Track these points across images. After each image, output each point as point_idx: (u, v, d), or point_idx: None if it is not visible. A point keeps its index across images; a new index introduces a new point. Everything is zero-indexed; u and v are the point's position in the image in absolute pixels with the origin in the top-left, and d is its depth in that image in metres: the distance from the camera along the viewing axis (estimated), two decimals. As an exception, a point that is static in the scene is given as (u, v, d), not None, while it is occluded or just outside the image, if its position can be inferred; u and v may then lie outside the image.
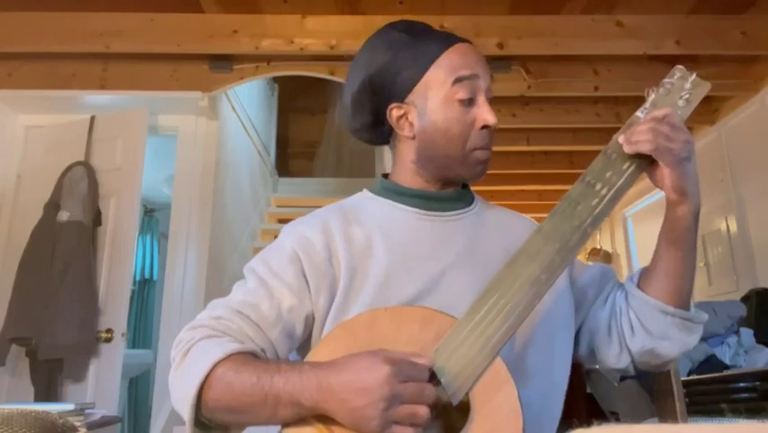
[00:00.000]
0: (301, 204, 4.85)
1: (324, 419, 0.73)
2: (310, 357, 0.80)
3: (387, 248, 0.89)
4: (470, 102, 0.92)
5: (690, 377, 2.23)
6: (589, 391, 2.23)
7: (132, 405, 4.55)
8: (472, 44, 0.97)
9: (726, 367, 2.34)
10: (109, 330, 2.62)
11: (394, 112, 0.96)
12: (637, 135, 0.82)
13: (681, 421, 1.12)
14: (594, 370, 2.16)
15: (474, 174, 0.95)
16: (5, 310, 2.65)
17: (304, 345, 0.90)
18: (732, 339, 2.44)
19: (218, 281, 3.33)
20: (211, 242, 3.22)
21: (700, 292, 3.76)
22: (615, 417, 2.16)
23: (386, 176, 1.03)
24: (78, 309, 2.55)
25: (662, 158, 0.81)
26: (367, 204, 0.98)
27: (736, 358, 2.39)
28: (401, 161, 0.99)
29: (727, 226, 3.62)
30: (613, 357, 0.95)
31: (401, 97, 0.95)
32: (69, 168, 2.87)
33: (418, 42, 0.94)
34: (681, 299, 0.90)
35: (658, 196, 4.45)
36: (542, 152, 4.44)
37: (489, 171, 0.98)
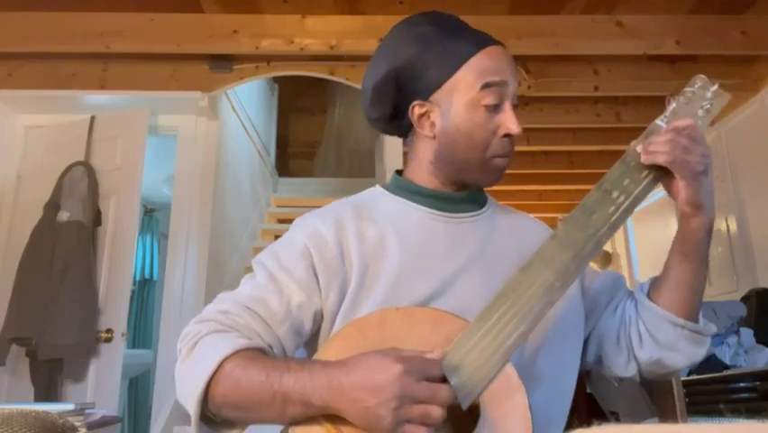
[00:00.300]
0: (301, 204, 4.84)
1: (333, 418, 0.72)
2: (319, 355, 0.79)
3: (400, 247, 0.88)
4: (495, 108, 0.90)
5: (690, 377, 2.23)
6: (589, 391, 2.23)
7: (132, 405, 4.55)
8: (504, 47, 0.94)
9: (726, 367, 2.34)
10: (109, 330, 2.62)
11: (416, 109, 0.93)
12: (655, 146, 0.81)
13: (681, 421, 1.12)
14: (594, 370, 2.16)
15: (490, 181, 0.94)
16: (5, 310, 2.64)
17: (311, 341, 0.89)
18: (732, 339, 2.44)
19: (218, 281, 3.33)
20: (211, 242, 3.22)
21: (700, 292, 3.76)
22: (615, 417, 2.16)
23: (400, 172, 1.02)
24: (78, 309, 2.55)
25: (678, 171, 0.80)
26: (380, 200, 0.97)
27: (736, 358, 2.39)
28: (418, 160, 0.97)
29: (727, 226, 3.62)
30: (621, 366, 0.95)
31: (425, 95, 0.92)
32: (69, 168, 2.87)
33: (449, 40, 0.91)
34: (691, 311, 0.90)
35: (658, 196, 4.45)
36: (542, 151, 4.44)
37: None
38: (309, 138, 6.54)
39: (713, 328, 0.93)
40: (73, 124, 3.03)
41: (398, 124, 0.98)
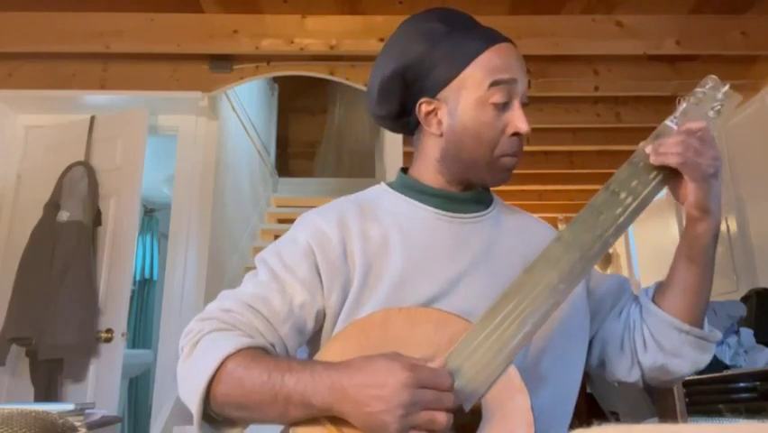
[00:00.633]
0: (301, 204, 4.84)
1: (335, 419, 0.71)
2: (321, 354, 0.78)
3: (404, 248, 0.87)
4: (504, 106, 0.88)
5: (690, 377, 2.22)
6: (589, 391, 2.23)
7: (132, 405, 4.55)
8: (514, 44, 0.92)
9: (726, 367, 2.33)
10: (109, 330, 2.62)
11: (423, 107, 0.92)
12: (666, 147, 0.80)
13: (681, 421, 1.12)
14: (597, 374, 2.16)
15: (498, 180, 0.93)
16: (5, 310, 2.64)
17: (313, 340, 0.89)
18: (732, 339, 2.44)
19: (218, 281, 3.33)
20: (211, 242, 3.22)
21: (700, 292, 3.76)
22: (615, 417, 2.16)
23: (405, 170, 1.00)
24: (78, 309, 2.54)
25: (688, 173, 0.79)
26: (384, 199, 0.95)
27: (736, 358, 2.39)
28: (424, 158, 0.96)
29: (727, 226, 3.62)
30: (624, 370, 0.94)
31: (433, 93, 0.91)
32: (69, 168, 2.87)
33: (458, 37, 0.90)
34: (696, 317, 0.89)
35: (658, 196, 4.43)
36: (542, 151, 4.44)
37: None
38: (309, 138, 6.54)
39: (718, 335, 0.92)
40: (73, 124, 3.03)
41: (405, 121, 0.97)
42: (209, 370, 0.74)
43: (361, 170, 5.82)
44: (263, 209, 4.86)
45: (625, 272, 5.42)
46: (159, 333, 3.09)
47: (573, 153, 4.51)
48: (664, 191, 0.85)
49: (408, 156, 1.65)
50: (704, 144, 0.79)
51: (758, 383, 2.01)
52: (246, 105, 4.25)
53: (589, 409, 2.15)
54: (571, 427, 0.84)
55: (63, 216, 2.73)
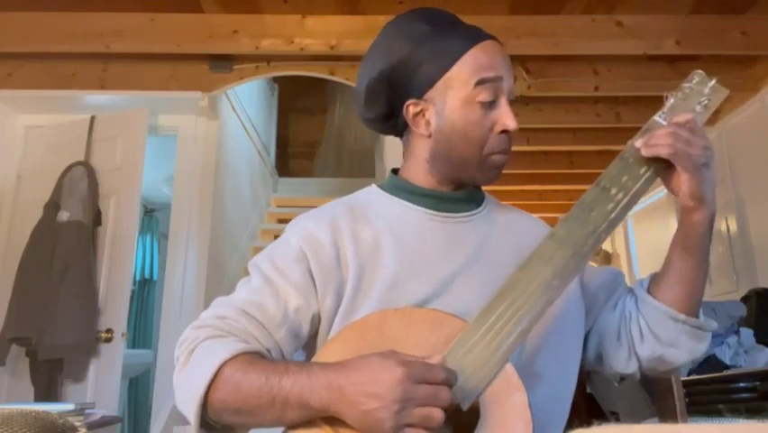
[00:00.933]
0: (301, 204, 4.85)
1: (332, 420, 0.72)
2: (318, 357, 0.79)
3: (396, 249, 0.87)
4: (491, 105, 0.88)
5: (690, 377, 2.22)
6: (589, 391, 2.23)
7: (132, 405, 4.55)
8: (499, 42, 0.92)
9: (726, 367, 2.33)
10: (109, 330, 2.62)
11: (411, 108, 0.92)
12: (656, 139, 0.81)
13: (681, 421, 1.12)
14: (594, 370, 2.16)
15: (488, 179, 0.93)
16: (5, 310, 2.64)
17: (310, 344, 0.89)
18: (732, 339, 2.44)
19: (218, 281, 3.33)
20: (211, 242, 3.22)
21: (700, 292, 3.76)
22: (615, 417, 2.16)
23: (395, 171, 1.00)
24: (78, 309, 2.54)
25: (680, 163, 0.80)
26: (375, 201, 0.95)
27: (736, 358, 2.39)
28: (414, 159, 0.96)
29: (727, 226, 3.62)
30: (621, 363, 0.94)
31: (419, 94, 0.91)
32: (69, 168, 2.87)
33: (442, 36, 0.90)
34: (692, 307, 0.89)
35: (658, 196, 4.45)
36: (542, 151, 4.44)
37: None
38: (309, 138, 6.54)
39: (714, 324, 0.92)
40: (73, 124, 3.03)
41: (394, 123, 0.97)
42: (206, 377, 0.74)
43: (361, 170, 5.82)
44: (263, 209, 4.87)
45: (625, 272, 5.42)
46: (159, 333, 3.10)
47: (573, 153, 4.50)
48: (664, 192, 0.85)
49: (408, 156, 1.64)
50: (694, 135, 0.80)
51: (758, 383, 2.01)
52: (246, 106, 4.25)
53: (589, 409, 2.15)
54: (571, 426, 0.83)
55: (63, 216, 2.73)
